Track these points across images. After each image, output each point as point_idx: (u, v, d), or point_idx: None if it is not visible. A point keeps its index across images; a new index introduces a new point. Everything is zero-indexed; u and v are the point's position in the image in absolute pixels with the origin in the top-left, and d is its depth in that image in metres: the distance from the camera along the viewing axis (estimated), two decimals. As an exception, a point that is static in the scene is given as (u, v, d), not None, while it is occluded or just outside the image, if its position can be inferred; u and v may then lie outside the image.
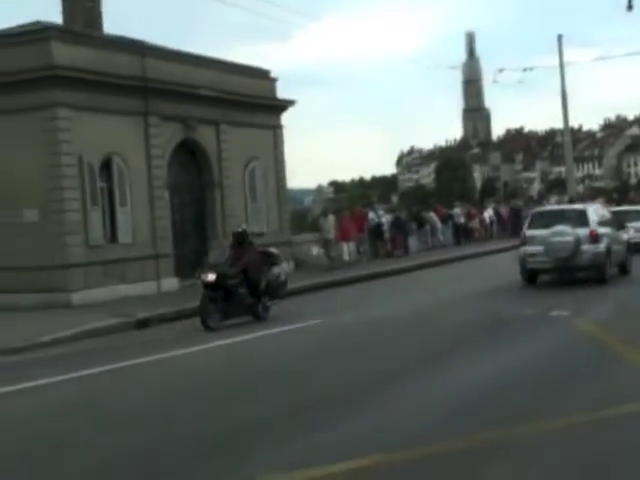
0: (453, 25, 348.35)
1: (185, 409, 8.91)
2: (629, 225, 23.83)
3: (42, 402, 9.88)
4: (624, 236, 21.29)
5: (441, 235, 36.13)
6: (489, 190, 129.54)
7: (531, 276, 19.64)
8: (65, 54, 20.73)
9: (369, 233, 31.87)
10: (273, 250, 17.64)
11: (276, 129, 28.61)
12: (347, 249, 28.00)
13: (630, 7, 37.19)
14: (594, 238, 18.92)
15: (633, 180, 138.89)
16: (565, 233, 18.91)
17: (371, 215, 32.59)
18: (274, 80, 28.83)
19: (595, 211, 20.70)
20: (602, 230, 19.38)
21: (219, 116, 25.55)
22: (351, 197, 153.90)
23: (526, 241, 19.60)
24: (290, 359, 12.03)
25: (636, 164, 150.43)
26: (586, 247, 18.75)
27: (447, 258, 29.58)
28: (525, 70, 56.61)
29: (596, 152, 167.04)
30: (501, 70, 53.59)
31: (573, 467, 6.25)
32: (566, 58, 49.71)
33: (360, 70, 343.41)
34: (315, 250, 28.66)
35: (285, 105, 28.99)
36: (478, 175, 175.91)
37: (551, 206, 31.69)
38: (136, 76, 22.50)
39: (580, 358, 10.54)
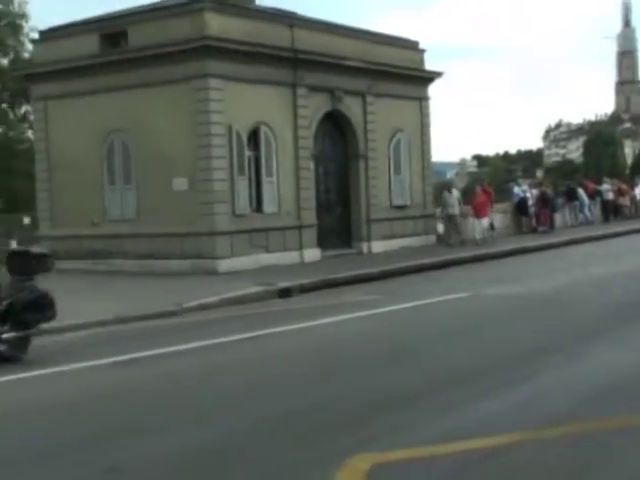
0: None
1: (314, 383, 8.94)
2: None
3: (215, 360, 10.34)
4: None
5: (588, 212, 35.09)
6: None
7: None
8: (218, 25, 21.15)
9: (513, 208, 31.33)
10: (37, 250, 12.40)
11: (422, 101, 28.37)
12: (480, 227, 26.89)
13: None
14: None
15: None
16: None
17: (516, 190, 31.98)
18: (422, 51, 28.56)
19: None
20: None
21: (365, 87, 25.54)
22: (494, 171, 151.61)
23: None
24: (432, 333, 11.97)
25: None
26: None
27: (594, 235, 28.69)
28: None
29: None
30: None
31: None
32: None
33: (507, 41, 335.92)
34: (440, 227, 27.62)
35: (432, 77, 28.71)
36: (629, 151, 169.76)
37: None
38: (285, 47, 22.74)
39: None
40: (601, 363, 9.16)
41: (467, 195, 28.29)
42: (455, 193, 27.10)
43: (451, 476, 5.79)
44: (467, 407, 7.45)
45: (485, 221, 27.01)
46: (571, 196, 34.76)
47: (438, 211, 27.90)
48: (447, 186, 27.85)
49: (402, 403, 7.69)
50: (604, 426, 6.78)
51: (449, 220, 26.66)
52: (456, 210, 26.42)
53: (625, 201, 37.13)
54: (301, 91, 23.42)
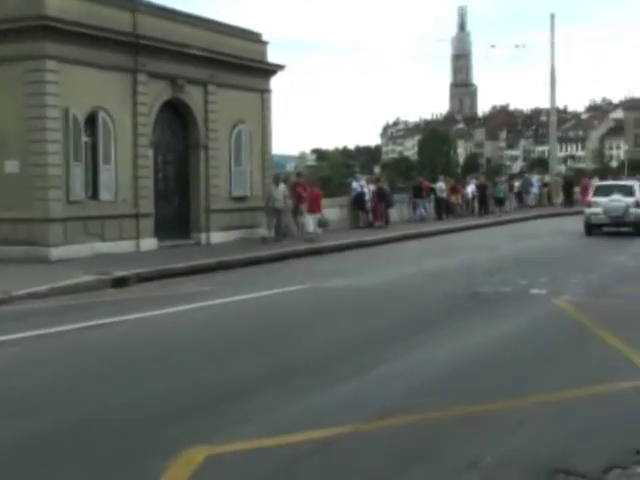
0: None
1: (152, 374, 8.84)
2: None
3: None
4: None
5: (422, 209, 36.14)
6: (472, 166, 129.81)
7: (592, 229, 28.04)
8: (56, 5, 20.45)
9: (351, 202, 31.88)
10: None
11: (264, 93, 28.42)
12: (313, 221, 26.18)
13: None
14: (637, 205, 27.68)
15: (614, 163, 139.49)
16: (619, 200, 27.73)
17: (354, 184, 32.55)
18: (265, 43, 28.62)
19: (638, 186, 29.06)
20: None
21: (208, 77, 25.36)
22: (333, 165, 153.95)
23: (591, 205, 28.45)
24: (273, 323, 12.03)
25: (618, 147, 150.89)
26: (632, 210, 27.49)
27: (428, 231, 29.61)
28: (517, 47, 56.69)
29: (580, 133, 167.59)
30: (493, 46, 54.27)
31: (549, 441, 6.33)
32: (557, 37, 49.98)
33: (347, 37, 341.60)
34: (264, 220, 26.34)
35: (275, 69, 28.80)
36: (462, 150, 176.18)
37: (610, 181, 39.33)
38: (127, 32, 22.28)
39: (557, 337, 10.60)
40: (435, 353, 9.46)
41: (296, 189, 27.38)
42: (282, 187, 26.31)
43: (285, 467, 5.84)
44: (304, 398, 7.54)
45: (316, 216, 26.46)
46: (417, 193, 35.87)
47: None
48: (275, 179, 26.83)
49: (240, 395, 7.69)
50: (439, 415, 7.01)
51: (275, 214, 25.79)
52: (282, 204, 25.78)
53: (457, 199, 38.49)
54: (141, 77, 23.00)
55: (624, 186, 30.15)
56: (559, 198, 48.62)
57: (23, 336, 10.84)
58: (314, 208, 26.20)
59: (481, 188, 40.24)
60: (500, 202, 41.22)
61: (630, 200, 27.73)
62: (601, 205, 27.98)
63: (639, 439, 6.36)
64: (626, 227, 27.95)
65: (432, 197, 36.86)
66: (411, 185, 38.10)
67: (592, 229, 28.06)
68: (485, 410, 7.20)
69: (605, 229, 28.15)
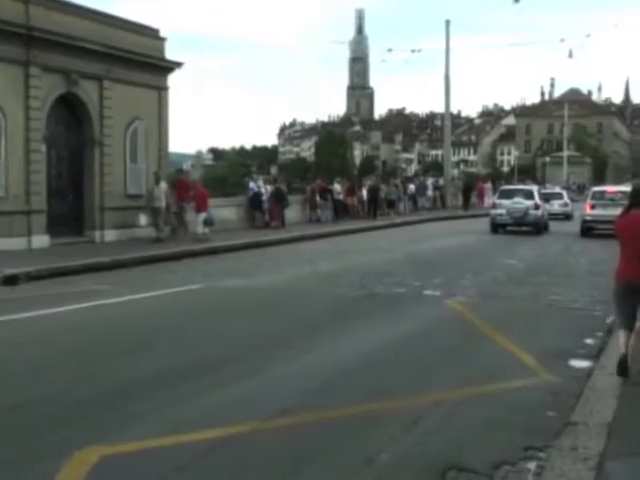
0: (344, 1, 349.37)
1: (45, 374, 8.65)
2: (552, 201, 40.09)
3: None
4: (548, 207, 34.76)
5: (319, 210, 36.34)
6: (368, 168, 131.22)
7: (497, 227, 31.61)
8: (-56, -6, 19.80)
9: (247, 202, 31.83)
10: None
11: (161, 90, 28.10)
12: (199, 220, 25.26)
13: (517, 0, 38.13)
14: (536, 207, 31.47)
15: (505, 168, 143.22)
16: (520, 202, 31.43)
17: (251, 184, 32.51)
18: (163, 40, 28.30)
19: (537, 191, 34.59)
20: (540, 202, 32.17)
21: (103, 72, 24.92)
22: (230, 165, 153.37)
23: (496, 206, 32.25)
24: (169, 322, 11.91)
25: (509, 153, 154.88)
26: (531, 212, 31.26)
27: (324, 232, 29.79)
28: (413, 51, 57.39)
29: (473, 138, 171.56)
30: (390, 50, 54.34)
31: (442, 438, 6.47)
32: (452, 43, 50.98)
33: (248, 38, 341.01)
34: (143, 220, 25.14)
35: (172, 67, 28.49)
36: (358, 153, 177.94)
37: (512, 185, 44.65)
38: (19, 23, 21.68)
39: (450, 337, 10.84)
40: (328, 355, 9.54)
41: (178, 187, 26.43)
42: (162, 185, 25.22)
43: (180, 467, 5.82)
44: (200, 398, 7.52)
45: (203, 215, 25.41)
46: (322, 194, 36.11)
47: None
48: (156, 177, 25.39)
49: (135, 394, 7.62)
50: (335, 414, 7.10)
51: (156, 213, 24.81)
52: (163, 203, 24.79)
53: (353, 201, 38.83)
54: (34, 71, 22.43)
55: (525, 190, 34.27)
56: (459, 201, 49.68)
57: None
58: (200, 207, 25.44)
59: (372, 191, 39.45)
60: (391, 204, 40.92)
61: (530, 203, 31.47)
62: (505, 207, 31.62)
63: (527, 436, 6.56)
64: (526, 226, 31.34)
65: (329, 198, 37.05)
66: (313, 186, 37.96)
67: (497, 228, 31.59)
68: (381, 409, 7.33)
69: (508, 228, 31.43)
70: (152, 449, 6.13)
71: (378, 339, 10.61)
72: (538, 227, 31.34)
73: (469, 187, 50.37)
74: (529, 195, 32.42)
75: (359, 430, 6.72)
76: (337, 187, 38.01)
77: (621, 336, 8.37)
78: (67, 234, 23.35)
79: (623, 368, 8.02)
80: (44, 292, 14.92)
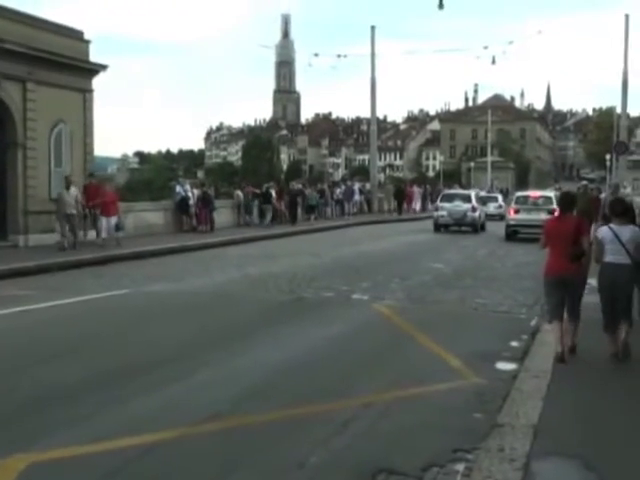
0: (271, 3, 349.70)
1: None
2: (489, 204, 44.30)
3: None
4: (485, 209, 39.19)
5: (252, 215, 36.25)
6: (295, 172, 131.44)
7: (440, 228, 35.29)
8: None
9: (174, 206, 31.61)
10: None
11: (86, 93, 27.72)
12: (107, 226, 24.36)
13: (441, 5, 38.62)
14: (473, 209, 35.09)
15: (431, 173, 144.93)
16: (460, 205, 35.19)
17: (178, 188, 32.30)
18: (87, 42, 27.93)
19: (475, 195, 38.45)
20: (477, 205, 35.92)
21: (26, 74, 24.47)
22: (156, 169, 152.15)
23: (438, 208, 36.17)
24: (95, 328, 11.75)
25: (434, 157, 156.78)
26: (469, 214, 34.94)
27: (251, 237, 29.75)
28: (339, 56, 57.66)
29: (399, 143, 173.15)
30: (317, 54, 54.74)
31: (372, 441, 6.53)
32: (377, 49, 51.42)
33: (173, 41, 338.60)
34: (57, 227, 23.85)
35: (97, 69, 28.13)
36: (285, 157, 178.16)
37: (453, 190, 46.81)
38: (-62, 23, 21.21)
39: (378, 340, 10.93)
40: (256, 359, 9.53)
41: (88, 192, 25.11)
42: (73, 190, 23.72)
43: (109, 474, 5.77)
44: (126, 404, 7.46)
45: (113, 220, 24.47)
46: (265, 199, 36.17)
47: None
48: (66, 182, 23.91)
49: (61, 401, 7.53)
50: (264, 418, 7.12)
51: (66, 220, 23.33)
52: (74, 209, 23.42)
53: (280, 205, 38.73)
54: (-46, 72, 21.97)
55: (464, 195, 38.12)
56: (390, 205, 50.09)
57: None
58: (109, 212, 24.44)
59: (292, 195, 38.87)
60: (311, 209, 39.83)
61: (468, 206, 35.13)
62: (446, 209, 35.40)
63: (455, 438, 6.67)
64: (466, 227, 35.03)
65: (256, 203, 36.92)
66: (251, 190, 37.63)
67: (440, 227, 35.41)
68: (310, 412, 7.36)
69: (450, 228, 35.32)
70: (80, 456, 6.07)
71: (307, 343, 10.65)
72: (475, 227, 34.80)
73: (401, 191, 50.80)
74: (467, 199, 36.11)
75: (289, 434, 6.75)
76: (272, 192, 37.70)
77: (555, 330, 9.17)
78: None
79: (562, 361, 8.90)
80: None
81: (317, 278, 17.49)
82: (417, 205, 52.73)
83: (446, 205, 35.70)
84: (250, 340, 10.67)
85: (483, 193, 54.07)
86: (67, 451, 6.11)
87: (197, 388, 8.16)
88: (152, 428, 6.72)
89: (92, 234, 25.21)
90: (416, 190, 54.93)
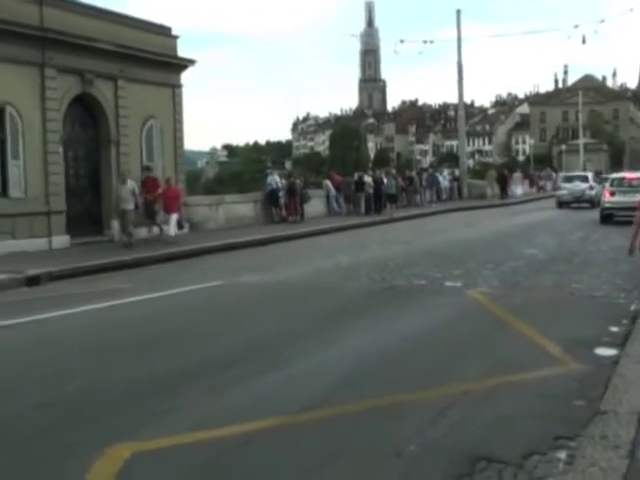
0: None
1: (72, 371, 8.72)
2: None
3: None
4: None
5: (335, 203, 36.33)
6: (382, 160, 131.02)
7: (562, 205, 40.95)
8: (-42, -3, 19.92)
9: (265, 198, 31.86)
10: None
11: (175, 88, 28.20)
12: (171, 222, 23.60)
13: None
14: (591, 188, 41.40)
15: (521, 157, 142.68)
16: (579, 185, 41.91)
17: (269, 179, 32.56)
18: (175, 37, 28.37)
19: (592, 176, 45.15)
20: (594, 184, 41.97)
21: (117, 71, 25.06)
22: (244, 161, 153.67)
23: (560, 188, 43.78)
24: (193, 319, 11.96)
25: (524, 142, 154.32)
26: (587, 192, 41.25)
27: (342, 226, 29.80)
28: (425, 42, 57.16)
29: (487, 128, 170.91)
30: (402, 41, 54.03)
31: (470, 429, 6.47)
32: (464, 33, 50.81)
33: (259, 33, 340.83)
34: (116, 224, 23.75)
35: (185, 64, 28.60)
36: (372, 145, 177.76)
37: (572, 172, 52.78)
38: (33, 25, 21.81)
39: (473, 328, 10.79)
40: (350, 349, 9.52)
41: (146, 186, 24.24)
42: (129, 185, 22.92)
43: (212, 461, 5.84)
44: (226, 393, 7.54)
45: (174, 217, 23.73)
46: (358, 187, 36.30)
47: (194, 199, 27.25)
48: (121, 177, 23.33)
49: (163, 390, 7.65)
50: (360, 407, 7.09)
51: (122, 216, 22.90)
52: (129, 205, 22.71)
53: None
54: (50, 72, 22.56)
55: (581, 176, 45.00)
56: (493, 191, 49.58)
57: None
58: (170, 208, 23.77)
59: (376, 183, 37.30)
60: (392, 198, 36.97)
61: (586, 185, 41.68)
62: (567, 189, 41.95)
63: (555, 426, 6.54)
64: (585, 203, 40.38)
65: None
66: (347, 180, 37.75)
67: (562, 205, 40.90)
68: (405, 401, 7.32)
69: (572, 205, 40.52)
70: (182, 445, 6.15)
71: (401, 331, 10.60)
72: (592, 203, 38.97)
73: (503, 176, 50.23)
74: (585, 179, 42.99)
75: (386, 423, 6.72)
76: (369, 179, 37.47)
77: None
78: (87, 233, 23.48)
79: None
80: (67, 291, 15.03)
81: (408, 266, 17.41)
82: (518, 190, 51.90)
83: (567, 185, 42.37)
84: (343, 329, 10.68)
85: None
86: (169, 440, 6.21)
87: (292, 378, 8.20)
88: (250, 417, 6.78)
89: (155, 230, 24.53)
90: (516, 175, 54.19)
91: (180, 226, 23.81)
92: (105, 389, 7.86)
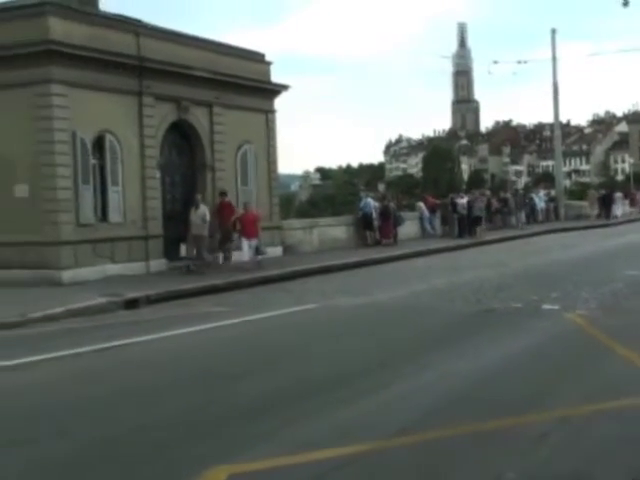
0: (446, 15, 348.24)
1: (173, 393, 8.87)
2: None
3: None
4: None
5: (429, 224, 36.08)
6: (476, 182, 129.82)
7: None
8: (61, 30, 20.59)
9: (358, 220, 31.85)
10: None
11: (269, 113, 28.51)
12: (247, 247, 22.87)
13: (626, 3, 37.10)
14: None
15: (620, 177, 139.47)
16: None
17: (362, 203, 32.58)
18: (268, 63, 28.72)
19: None
20: None
21: (212, 98, 25.46)
22: (337, 184, 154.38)
23: None
24: (290, 341, 12.06)
25: (623, 161, 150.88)
26: None
27: (436, 248, 29.55)
28: (519, 62, 56.56)
29: (584, 147, 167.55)
30: (496, 62, 53.76)
31: (571, 455, 6.30)
32: (558, 52, 49.97)
33: (351, 57, 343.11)
34: (183, 250, 22.93)
35: (279, 89, 28.90)
36: (465, 167, 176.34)
37: None
38: (131, 55, 22.38)
39: (572, 352, 10.58)
40: (447, 372, 9.42)
41: (222, 212, 23.95)
42: (202, 210, 22.56)
43: (308, 485, 5.84)
44: (323, 416, 7.54)
45: (253, 242, 22.89)
46: (453, 209, 35.58)
47: (288, 223, 27.18)
48: (195, 202, 22.82)
49: (259, 413, 7.70)
50: (459, 431, 6.99)
51: (194, 242, 22.42)
52: (203, 230, 22.29)
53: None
54: (147, 100, 23.10)
55: None
56: (594, 211, 48.48)
57: (41, 358, 10.90)
58: (249, 233, 23.06)
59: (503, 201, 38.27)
60: (477, 221, 35.81)
61: None
62: None
63: (660, 453, 6.33)
64: None
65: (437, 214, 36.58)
66: (444, 202, 37.42)
67: None
68: (504, 425, 7.19)
69: None
70: (279, 467, 6.17)
71: (498, 354, 10.45)
72: None
73: (608, 196, 49.17)
74: None
75: (485, 447, 6.61)
76: (463, 201, 36.59)
77: None
78: (183, 257, 23.80)
79: None
80: (164, 315, 15.31)
81: (504, 288, 17.16)
82: (619, 210, 50.46)
83: None
84: (439, 352, 10.58)
85: None
86: (265, 463, 6.23)
87: (389, 401, 8.15)
88: (347, 440, 6.75)
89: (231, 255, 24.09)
90: (617, 195, 52.88)
91: (259, 252, 23.02)
92: (202, 411, 7.95)
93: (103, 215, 21.87)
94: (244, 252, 23.00)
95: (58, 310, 15.18)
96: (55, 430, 7.41)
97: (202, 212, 22.46)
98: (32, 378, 9.90)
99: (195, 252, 22.36)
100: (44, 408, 8.32)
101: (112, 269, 21.22)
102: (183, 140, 25.18)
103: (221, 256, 23.99)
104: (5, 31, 20.50)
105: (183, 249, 22.81)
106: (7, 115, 20.70)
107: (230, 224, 23.65)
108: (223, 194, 24.81)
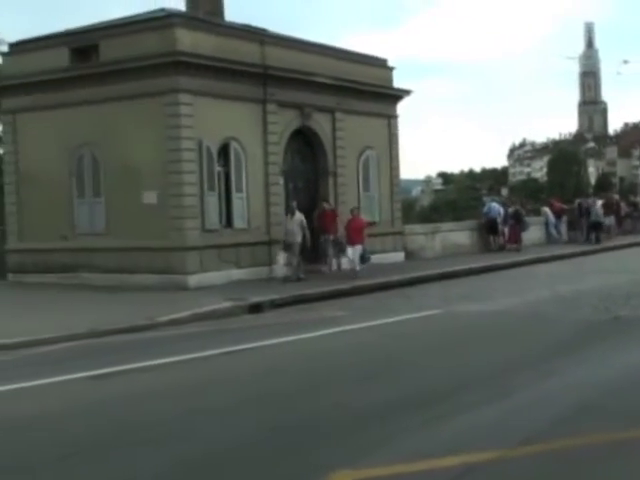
0: (572, 15, 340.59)
1: (310, 393, 9.01)
2: None
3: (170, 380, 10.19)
4: None
5: (554, 229, 35.36)
6: (604, 186, 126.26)
7: None
8: (188, 41, 21.16)
9: (483, 225, 31.48)
10: None
11: (391, 118, 28.53)
12: (353, 254, 22.29)
13: None
14: None
15: None
16: None
17: (486, 207, 32.23)
18: (391, 69, 28.74)
19: None
20: None
21: (335, 104, 25.65)
22: (459, 189, 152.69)
23: None
24: (411, 347, 12.04)
25: None
26: None
27: (561, 254, 28.93)
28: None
29: None
30: (626, 61, 52.15)
31: None
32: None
33: (472, 59, 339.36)
34: (282, 258, 22.36)
35: (401, 95, 28.88)
36: (592, 170, 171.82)
37: None
38: (256, 63, 22.78)
39: None
40: (573, 380, 9.21)
41: (324, 220, 23.81)
42: (297, 217, 22.07)
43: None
44: (445, 423, 7.48)
45: (358, 250, 22.24)
46: (582, 212, 34.90)
47: (410, 228, 27.07)
48: (290, 208, 22.58)
49: (381, 418, 7.70)
50: (585, 442, 6.82)
51: (288, 250, 22.00)
52: (297, 238, 21.77)
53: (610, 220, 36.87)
54: (271, 107, 23.46)
55: None
56: None
57: (171, 361, 11.21)
58: (355, 240, 22.40)
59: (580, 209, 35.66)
60: (596, 227, 34.43)
61: None
62: None
63: None
64: None
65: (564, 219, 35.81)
66: (572, 207, 36.36)
67: None
68: (633, 437, 6.97)
69: None
70: (398, 475, 6.14)
71: (626, 363, 10.14)
72: None
73: None
74: None
75: (612, 459, 6.43)
76: (597, 207, 35.05)
77: None
78: (306, 262, 24.04)
79: None
80: (288, 319, 15.53)
81: (634, 296, 16.64)
82: None
83: None
84: (565, 360, 10.35)
85: None
86: (386, 469, 6.22)
87: (512, 410, 8.03)
88: (467, 449, 6.67)
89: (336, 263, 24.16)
90: None
91: (364, 259, 22.41)
92: (324, 416, 8.01)
93: (228, 221, 22.33)
94: (347, 259, 22.88)
95: (185, 314, 15.59)
96: (187, 431, 7.58)
97: (298, 219, 22.14)
98: (162, 380, 10.17)
99: (295, 260, 21.94)
100: (176, 410, 8.51)
101: (237, 274, 21.64)
102: (306, 146, 25.45)
103: (335, 262, 23.99)
104: (135, 43, 21.23)
105: (282, 257, 22.34)
106: (136, 124, 21.41)
107: (332, 232, 23.54)
108: (325, 201, 24.77)
